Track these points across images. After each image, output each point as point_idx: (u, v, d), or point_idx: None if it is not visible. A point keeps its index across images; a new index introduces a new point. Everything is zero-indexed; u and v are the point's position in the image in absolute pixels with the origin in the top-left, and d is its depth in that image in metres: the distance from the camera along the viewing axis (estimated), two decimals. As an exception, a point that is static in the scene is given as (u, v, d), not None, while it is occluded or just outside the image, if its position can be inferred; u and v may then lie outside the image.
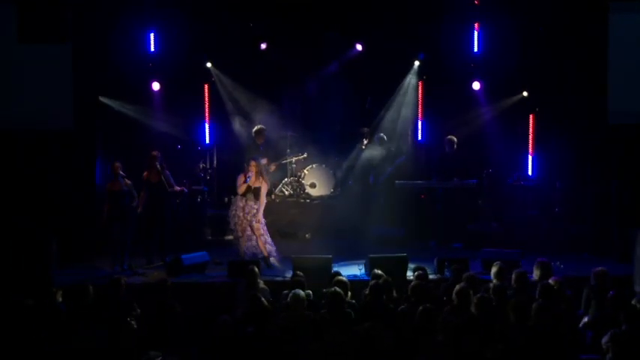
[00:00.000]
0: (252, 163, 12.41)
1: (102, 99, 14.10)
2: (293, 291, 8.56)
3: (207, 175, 15.25)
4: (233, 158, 14.91)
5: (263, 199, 12.47)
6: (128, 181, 12.42)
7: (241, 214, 12.37)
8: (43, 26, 10.75)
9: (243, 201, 12.41)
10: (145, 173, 12.57)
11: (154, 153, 12.66)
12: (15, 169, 12.97)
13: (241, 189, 12.37)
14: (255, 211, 12.37)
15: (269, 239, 12.54)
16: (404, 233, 14.13)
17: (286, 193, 15.25)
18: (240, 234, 12.37)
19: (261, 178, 12.42)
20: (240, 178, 12.41)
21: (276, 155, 14.95)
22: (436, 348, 7.25)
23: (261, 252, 12.33)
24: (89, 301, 8.80)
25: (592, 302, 8.86)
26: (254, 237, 12.36)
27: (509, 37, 14.52)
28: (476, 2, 14.77)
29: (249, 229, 12.35)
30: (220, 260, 12.48)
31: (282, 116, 15.35)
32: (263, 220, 12.48)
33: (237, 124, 15.36)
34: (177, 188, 12.80)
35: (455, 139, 14.52)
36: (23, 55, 12.65)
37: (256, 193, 12.41)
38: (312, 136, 15.27)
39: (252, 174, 12.33)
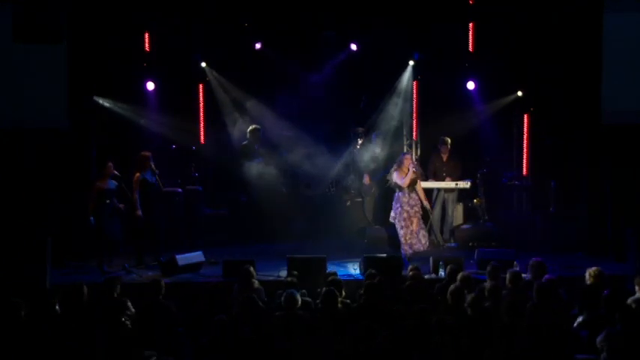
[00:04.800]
0: (407, 157, 12.76)
1: (97, 99, 14.09)
2: (287, 291, 8.57)
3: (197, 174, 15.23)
4: (228, 158, 14.94)
5: (422, 192, 12.87)
6: (117, 183, 12.41)
7: (408, 208, 12.58)
8: (38, 26, 10.72)
9: (407, 195, 12.61)
10: (137, 174, 12.51)
11: (146, 153, 12.64)
12: (10, 168, 12.94)
13: (406, 182, 12.57)
14: (420, 203, 12.69)
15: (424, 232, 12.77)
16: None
17: (284, 190, 15.23)
18: (404, 228, 12.56)
19: (417, 172, 12.76)
20: (400, 174, 12.59)
21: (272, 154, 14.97)
22: (431, 348, 7.26)
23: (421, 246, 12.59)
24: (84, 301, 8.79)
25: (587, 302, 8.87)
26: (419, 230, 12.62)
27: (503, 36, 14.53)
28: (470, 2, 14.78)
29: (415, 222, 12.59)
30: (215, 260, 12.47)
31: (277, 116, 15.34)
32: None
33: (235, 124, 15.38)
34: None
35: (448, 140, 14.55)
36: (18, 55, 12.63)
37: (415, 185, 12.70)
38: (306, 136, 15.26)
39: (412, 167, 12.63)
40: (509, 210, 14.70)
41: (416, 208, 12.63)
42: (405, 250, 12.48)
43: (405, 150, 14.98)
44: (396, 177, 12.66)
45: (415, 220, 12.60)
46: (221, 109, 15.54)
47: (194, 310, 9.98)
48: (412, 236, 12.53)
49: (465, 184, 14.30)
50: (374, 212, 14.87)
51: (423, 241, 12.62)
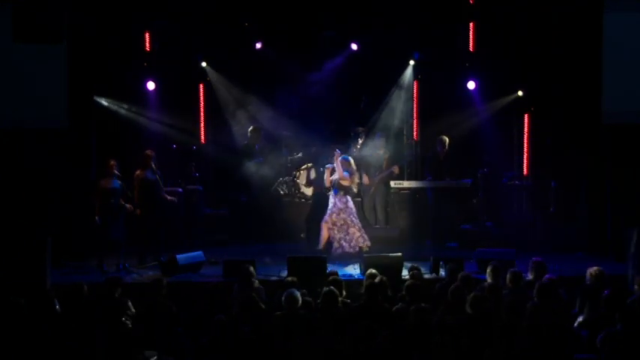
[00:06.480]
0: (341, 160, 12.91)
1: (97, 98, 14.10)
2: (287, 291, 8.57)
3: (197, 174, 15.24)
4: (228, 158, 14.95)
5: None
6: (121, 182, 12.40)
7: (334, 209, 12.86)
8: (38, 26, 10.72)
9: (334, 197, 12.92)
10: (138, 172, 12.54)
11: (149, 152, 12.66)
12: (10, 168, 12.94)
13: (327, 181, 13.09)
14: (342, 206, 12.83)
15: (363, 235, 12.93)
16: (399, 233, 14.15)
17: (281, 192, 15.25)
18: (332, 228, 12.83)
19: (346, 175, 12.84)
20: (327, 173, 13.03)
21: (271, 154, 14.97)
22: (431, 348, 7.26)
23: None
24: (84, 301, 8.80)
25: (587, 302, 8.87)
26: (349, 230, 12.81)
27: (503, 36, 14.53)
28: (471, 1, 14.78)
29: (340, 222, 12.79)
30: (216, 260, 12.47)
31: (277, 116, 15.35)
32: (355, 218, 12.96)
33: (237, 122, 15.42)
34: (168, 198, 12.88)
35: (446, 139, 14.54)
36: (18, 55, 12.62)
37: (343, 188, 12.91)
38: (307, 136, 15.27)
39: (338, 169, 12.82)
40: (509, 210, 14.68)
41: (343, 215, 12.82)
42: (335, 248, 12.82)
43: (405, 150, 15.03)
44: (325, 174, 13.15)
45: (341, 221, 12.82)
46: (222, 109, 15.56)
47: (194, 310, 9.97)
48: (338, 235, 12.80)
49: (464, 184, 14.31)
50: (374, 212, 14.86)
51: (345, 245, 12.82)
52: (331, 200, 12.96)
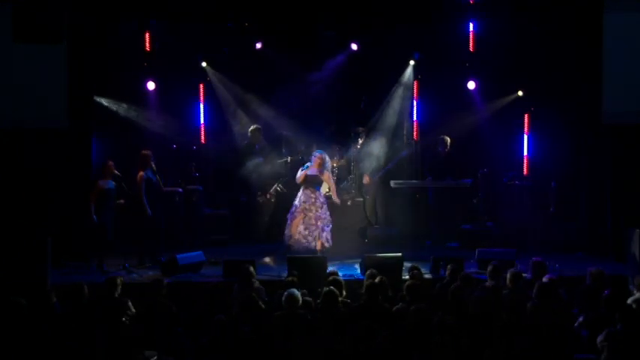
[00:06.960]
0: (318, 155, 12.86)
1: (97, 98, 14.09)
2: (288, 290, 8.57)
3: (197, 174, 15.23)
4: (228, 158, 14.95)
5: (331, 191, 13.09)
6: (117, 182, 12.39)
7: (296, 202, 12.86)
8: (38, 26, 10.73)
9: (301, 191, 12.91)
10: (140, 174, 12.50)
11: (146, 152, 12.65)
12: (10, 168, 12.93)
13: (300, 178, 12.90)
14: (313, 200, 12.79)
15: (324, 234, 12.82)
16: (399, 233, 14.16)
17: (281, 192, 15.23)
18: (290, 222, 12.81)
19: (323, 173, 12.82)
20: (305, 170, 12.92)
21: (271, 154, 14.97)
22: (431, 348, 7.26)
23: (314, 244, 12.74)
24: (84, 301, 8.80)
25: (587, 302, 8.88)
26: (310, 226, 12.75)
27: (504, 36, 14.53)
28: (471, 2, 14.78)
29: (304, 218, 12.73)
30: (216, 260, 12.47)
31: (277, 116, 15.35)
32: (324, 215, 12.86)
33: (237, 122, 15.42)
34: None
35: (448, 139, 14.55)
36: (18, 55, 12.62)
37: (316, 184, 12.88)
38: (307, 136, 15.26)
39: (313, 165, 12.77)
40: (509, 210, 14.69)
41: (305, 205, 12.77)
42: (286, 236, 12.86)
43: (405, 151, 15.03)
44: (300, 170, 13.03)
45: (298, 217, 12.78)
46: (222, 109, 15.56)
47: (194, 310, 9.97)
48: (290, 229, 12.81)
49: (464, 184, 14.32)
50: (375, 212, 14.87)
51: (303, 240, 12.74)
52: (318, 196, 12.88)
